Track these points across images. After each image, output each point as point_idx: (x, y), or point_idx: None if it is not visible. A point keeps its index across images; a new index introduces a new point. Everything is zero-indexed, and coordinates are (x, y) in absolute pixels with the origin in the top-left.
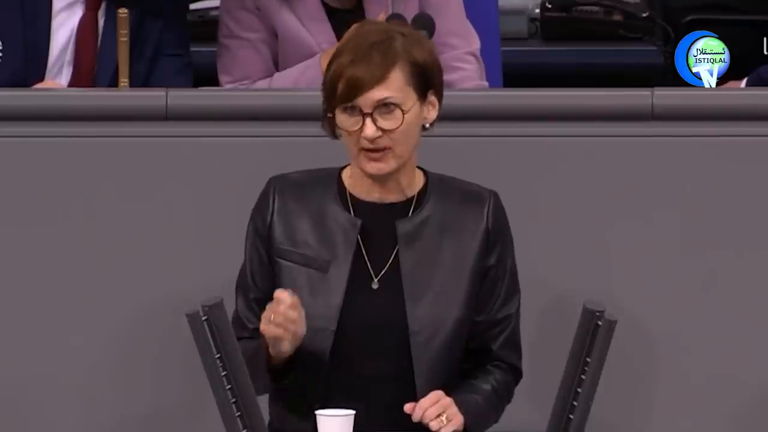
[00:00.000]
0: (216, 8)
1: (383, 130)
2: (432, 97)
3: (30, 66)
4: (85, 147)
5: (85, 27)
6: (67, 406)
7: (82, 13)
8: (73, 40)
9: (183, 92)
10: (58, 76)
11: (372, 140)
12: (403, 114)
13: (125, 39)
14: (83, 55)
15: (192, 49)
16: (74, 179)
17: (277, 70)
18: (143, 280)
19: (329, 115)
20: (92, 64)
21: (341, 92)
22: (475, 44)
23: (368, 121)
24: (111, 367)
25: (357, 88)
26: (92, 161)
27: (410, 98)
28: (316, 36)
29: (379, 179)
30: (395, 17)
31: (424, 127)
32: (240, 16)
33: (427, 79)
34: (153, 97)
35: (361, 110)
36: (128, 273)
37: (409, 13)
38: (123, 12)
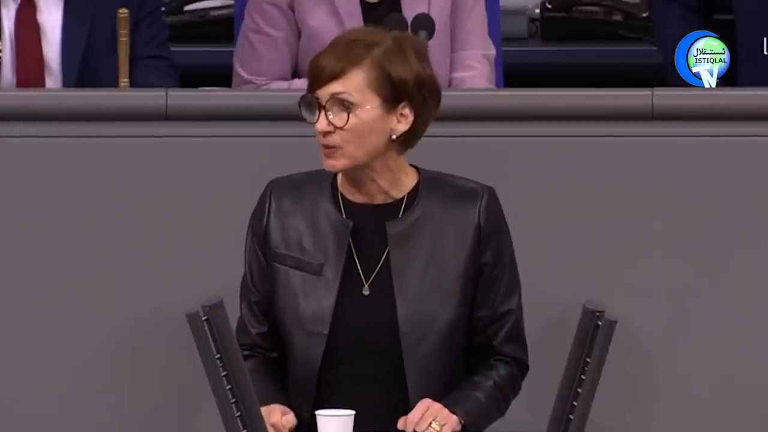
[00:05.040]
0: (216, 8)
1: (334, 126)
2: (405, 110)
3: None
4: (85, 147)
5: (21, 15)
6: (67, 406)
7: (19, 2)
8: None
9: (183, 92)
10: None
11: (323, 134)
12: (348, 115)
13: (125, 39)
14: (23, 46)
15: (192, 49)
16: (74, 179)
17: (297, 70)
18: (143, 279)
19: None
20: (35, 55)
21: (308, 80)
22: (491, 50)
23: (321, 113)
24: (110, 367)
25: (316, 77)
26: (92, 161)
27: (369, 102)
28: None
29: (354, 181)
30: (395, 18)
31: (392, 138)
32: (267, 11)
33: (398, 92)
34: (153, 97)
35: (318, 102)
36: (128, 273)
37: (440, 8)
38: (123, 12)
